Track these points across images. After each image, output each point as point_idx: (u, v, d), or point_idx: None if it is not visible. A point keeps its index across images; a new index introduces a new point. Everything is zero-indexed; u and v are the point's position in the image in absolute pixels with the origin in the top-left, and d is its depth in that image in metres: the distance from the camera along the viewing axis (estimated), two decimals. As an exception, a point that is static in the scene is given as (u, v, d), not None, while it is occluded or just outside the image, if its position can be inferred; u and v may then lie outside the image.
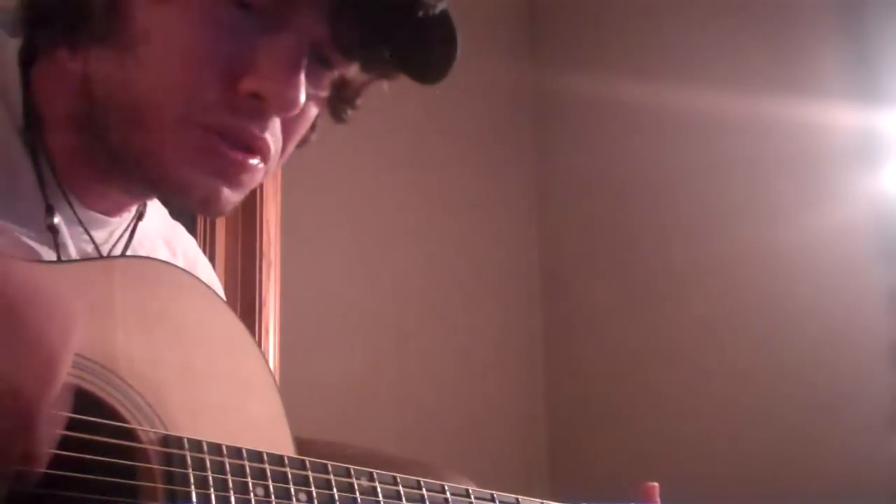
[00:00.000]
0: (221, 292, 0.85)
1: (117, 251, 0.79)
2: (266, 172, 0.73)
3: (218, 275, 2.21)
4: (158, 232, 0.87)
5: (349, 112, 0.81)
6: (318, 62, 0.71)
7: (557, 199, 2.89)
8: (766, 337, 2.40)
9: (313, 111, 0.76)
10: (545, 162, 2.92)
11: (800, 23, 2.46)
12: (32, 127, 0.72)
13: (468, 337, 2.64)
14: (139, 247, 0.83)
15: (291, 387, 2.17)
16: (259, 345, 2.30)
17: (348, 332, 2.36)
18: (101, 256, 0.76)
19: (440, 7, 0.69)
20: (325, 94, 0.75)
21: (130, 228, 0.80)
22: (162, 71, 0.67)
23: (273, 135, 0.71)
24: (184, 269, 0.73)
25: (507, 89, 2.94)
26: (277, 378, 2.29)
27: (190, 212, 0.82)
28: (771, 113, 2.43)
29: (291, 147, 0.75)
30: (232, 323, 0.72)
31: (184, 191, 0.70)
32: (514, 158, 2.91)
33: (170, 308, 0.68)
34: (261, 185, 2.27)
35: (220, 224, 2.20)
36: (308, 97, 0.70)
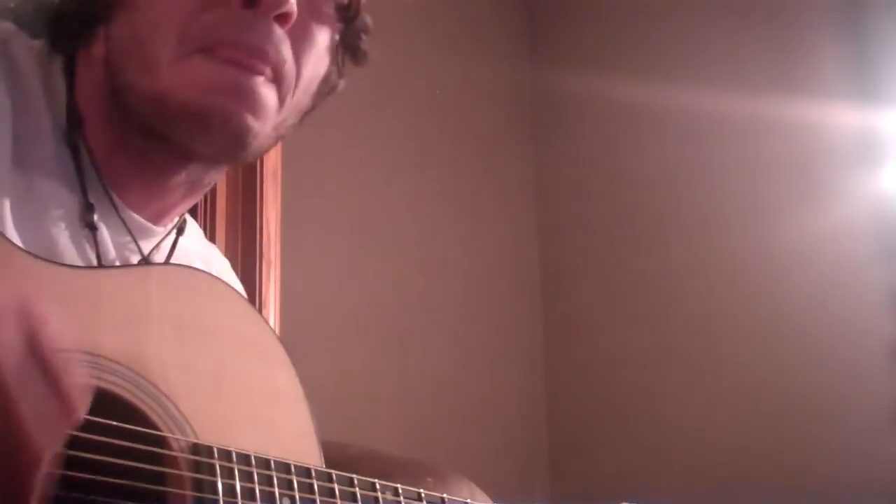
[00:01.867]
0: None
1: (159, 260, 0.80)
2: (283, 94, 0.74)
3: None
4: (196, 252, 0.88)
5: (364, 49, 0.84)
6: None
7: (557, 198, 2.89)
8: (766, 336, 2.40)
9: (320, 35, 0.78)
10: (545, 161, 2.92)
11: (800, 23, 2.46)
12: (74, 127, 0.74)
13: (468, 336, 2.64)
14: (179, 262, 0.84)
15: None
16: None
17: (348, 332, 2.36)
18: (141, 263, 0.76)
19: None
20: (329, 12, 0.78)
21: (172, 241, 0.82)
22: (159, 9, 0.71)
23: (276, 49, 0.73)
24: (219, 279, 0.74)
25: (507, 89, 2.94)
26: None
27: (224, 157, 0.80)
28: (771, 113, 2.43)
29: (307, 70, 0.77)
30: (267, 335, 0.74)
31: (207, 121, 0.71)
32: (514, 158, 2.91)
33: (206, 317, 0.68)
34: (261, 186, 2.27)
35: (220, 224, 2.20)
36: (304, 9, 0.73)
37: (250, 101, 0.72)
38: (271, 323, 2.16)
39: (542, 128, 2.94)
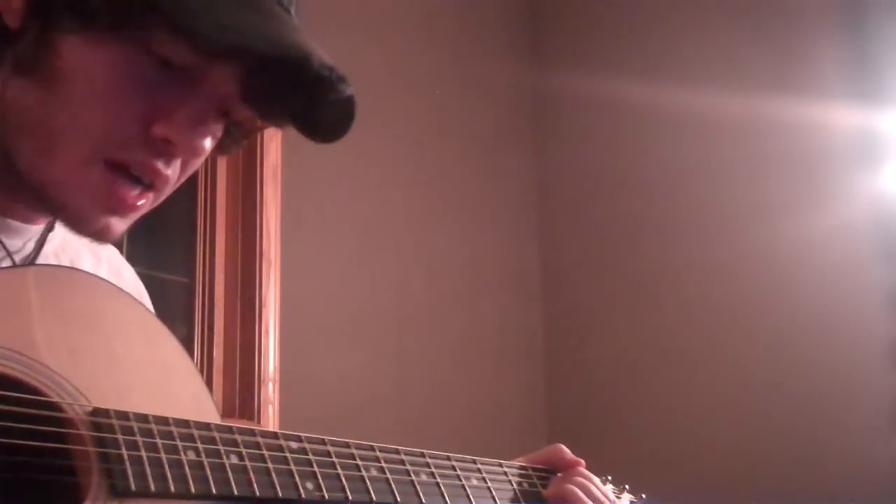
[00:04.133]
0: (148, 301, 0.88)
1: (29, 259, 0.81)
2: (158, 200, 0.78)
3: (218, 275, 2.22)
4: (81, 239, 0.89)
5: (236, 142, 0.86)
6: (222, 114, 0.77)
7: (557, 198, 2.89)
8: (765, 335, 2.40)
9: (209, 149, 0.82)
10: (545, 161, 2.93)
11: (800, 23, 2.46)
12: None
13: (468, 336, 2.64)
14: (61, 253, 0.85)
15: (291, 386, 2.17)
16: (259, 344, 2.29)
17: (348, 332, 2.36)
18: (12, 266, 0.78)
19: (335, 76, 0.74)
20: (219, 134, 0.81)
21: (41, 236, 0.83)
22: (81, 111, 0.71)
23: (174, 170, 0.77)
24: (95, 275, 0.76)
25: (507, 89, 2.94)
26: (278, 377, 2.28)
27: (82, 237, 0.86)
28: (771, 113, 2.43)
29: (184, 178, 0.81)
30: (148, 318, 0.75)
31: (80, 223, 0.75)
32: (514, 158, 2.92)
33: (86, 306, 0.71)
34: (261, 186, 2.27)
35: (220, 224, 2.20)
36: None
37: (130, 216, 0.76)
38: (271, 323, 2.16)
39: (542, 128, 2.94)
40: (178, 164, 0.77)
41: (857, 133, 2.32)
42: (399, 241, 2.54)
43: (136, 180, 0.74)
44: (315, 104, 0.76)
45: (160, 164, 0.74)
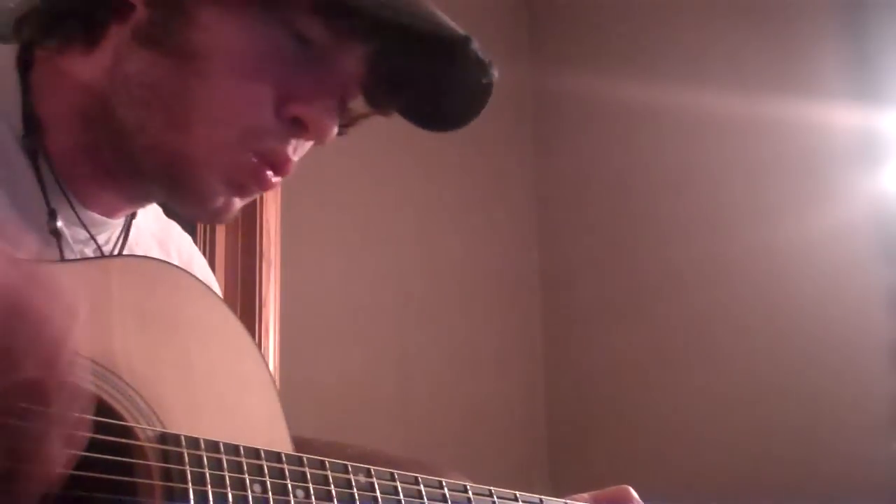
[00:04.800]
0: (218, 290, 0.85)
1: (115, 251, 0.80)
2: None
3: (218, 275, 2.21)
4: (152, 233, 0.87)
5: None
6: (340, 99, 0.76)
7: (557, 199, 2.89)
8: (765, 336, 2.40)
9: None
10: (545, 162, 2.92)
11: (800, 23, 2.46)
12: (32, 132, 0.73)
13: (468, 337, 2.64)
14: (136, 247, 0.83)
15: (291, 387, 2.17)
16: (259, 345, 2.29)
17: (348, 332, 2.36)
18: (99, 256, 0.76)
19: (488, 60, 0.74)
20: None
21: (125, 228, 0.81)
22: (221, 86, 0.70)
23: (298, 156, 0.76)
24: (181, 269, 0.73)
25: (507, 89, 2.94)
26: (277, 378, 2.28)
27: (190, 219, 0.85)
28: (771, 113, 2.43)
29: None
30: (230, 322, 0.72)
31: (201, 201, 0.73)
32: (514, 159, 2.91)
33: (167, 307, 0.68)
34: (261, 186, 2.27)
35: (220, 224, 2.20)
36: None
37: (250, 196, 0.76)
38: (271, 323, 2.16)
39: (542, 128, 2.94)
40: (304, 147, 0.76)
41: (857, 133, 2.32)
42: (399, 241, 2.54)
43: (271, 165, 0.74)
44: (457, 87, 0.75)
45: (290, 151, 0.74)
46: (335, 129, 0.74)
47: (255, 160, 0.72)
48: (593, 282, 2.76)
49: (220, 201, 0.73)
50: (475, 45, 0.72)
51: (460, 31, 0.72)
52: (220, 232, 2.19)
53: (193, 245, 0.94)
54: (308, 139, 0.74)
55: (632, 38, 2.77)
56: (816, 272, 2.33)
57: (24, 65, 0.75)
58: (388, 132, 2.77)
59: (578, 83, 2.84)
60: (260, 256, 2.17)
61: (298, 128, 0.72)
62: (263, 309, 2.14)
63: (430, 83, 0.75)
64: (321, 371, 2.26)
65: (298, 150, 0.75)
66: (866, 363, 2.23)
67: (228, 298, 2.21)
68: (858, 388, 2.23)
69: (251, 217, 2.19)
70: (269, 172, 0.74)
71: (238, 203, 0.75)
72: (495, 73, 0.75)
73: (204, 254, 2.33)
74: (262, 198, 2.20)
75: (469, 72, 0.74)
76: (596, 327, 2.73)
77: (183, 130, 0.70)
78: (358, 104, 0.79)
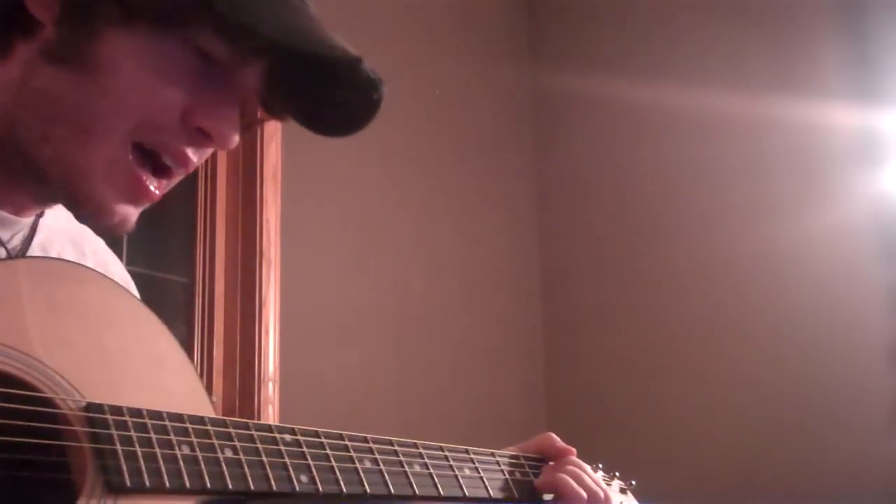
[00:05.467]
0: (135, 292, 0.88)
1: (21, 249, 0.81)
2: (167, 189, 0.80)
3: (218, 275, 2.21)
4: (64, 233, 0.89)
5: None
6: (243, 110, 0.81)
7: (557, 198, 2.89)
8: (765, 336, 2.40)
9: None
10: (545, 162, 2.93)
11: (800, 23, 2.46)
12: None
13: (468, 336, 2.64)
14: (49, 247, 0.85)
15: (291, 386, 2.17)
16: (259, 344, 2.29)
17: (348, 332, 2.36)
18: (6, 258, 0.78)
19: (377, 78, 0.79)
20: None
21: (33, 226, 0.83)
22: (123, 98, 0.72)
23: (199, 159, 0.79)
24: (86, 266, 0.76)
25: (507, 89, 2.94)
26: (278, 377, 2.28)
27: (96, 230, 0.88)
28: (771, 113, 2.43)
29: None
30: (141, 310, 0.75)
31: (100, 215, 0.75)
32: (514, 157, 2.91)
33: (76, 298, 0.70)
34: (261, 186, 2.27)
35: (220, 224, 2.20)
36: None
37: (144, 205, 0.78)
38: (271, 323, 2.16)
39: (542, 128, 2.94)
40: (204, 154, 0.79)
41: (857, 133, 2.32)
42: (399, 240, 2.54)
43: (159, 169, 0.76)
44: (344, 102, 0.79)
45: (191, 152, 0.77)
46: (237, 138, 0.78)
47: (136, 161, 0.74)
48: (594, 281, 2.76)
49: (119, 215, 0.76)
50: (365, 65, 0.77)
51: (352, 52, 0.77)
52: (220, 232, 2.19)
53: (107, 248, 0.96)
54: (212, 147, 0.78)
55: (632, 38, 2.77)
56: (816, 272, 2.33)
57: None
58: (388, 133, 2.78)
59: (578, 83, 2.84)
60: (260, 256, 2.17)
61: (203, 137, 0.76)
62: (263, 309, 2.15)
63: (318, 97, 0.80)
64: (321, 370, 2.26)
65: (202, 155, 0.79)
66: (866, 363, 2.23)
67: (228, 298, 2.22)
68: (858, 388, 2.23)
69: (251, 217, 2.19)
70: (153, 181, 0.76)
71: (134, 214, 0.77)
72: (384, 91, 0.80)
73: (204, 254, 2.32)
74: (261, 198, 2.20)
75: (358, 88, 0.79)
76: (596, 327, 2.73)
77: (83, 143, 0.73)
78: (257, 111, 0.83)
